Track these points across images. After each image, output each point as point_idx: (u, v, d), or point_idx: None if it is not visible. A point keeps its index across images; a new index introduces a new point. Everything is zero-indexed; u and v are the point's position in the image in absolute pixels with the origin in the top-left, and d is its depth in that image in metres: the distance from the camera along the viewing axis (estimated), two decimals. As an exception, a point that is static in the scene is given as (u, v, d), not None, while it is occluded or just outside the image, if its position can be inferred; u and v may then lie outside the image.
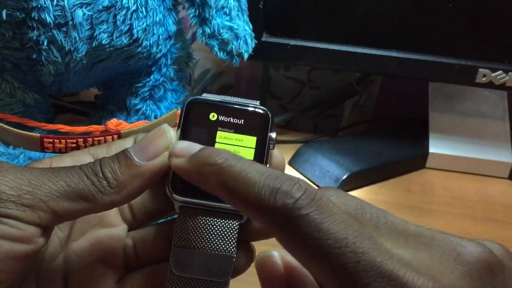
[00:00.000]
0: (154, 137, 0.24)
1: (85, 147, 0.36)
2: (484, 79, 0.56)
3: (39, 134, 0.41)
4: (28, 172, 0.22)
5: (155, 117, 0.50)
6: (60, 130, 0.45)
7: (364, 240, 0.18)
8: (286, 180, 0.19)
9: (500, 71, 0.55)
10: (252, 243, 0.26)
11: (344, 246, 0.18)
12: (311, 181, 0.58)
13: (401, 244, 0.20)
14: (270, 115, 0.25)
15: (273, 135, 0.25)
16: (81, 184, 0.22)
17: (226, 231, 0.24)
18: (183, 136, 0.24)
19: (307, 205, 0.19)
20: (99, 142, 0.40)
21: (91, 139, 0.40)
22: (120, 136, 0.42)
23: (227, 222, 0.24)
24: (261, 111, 0.25)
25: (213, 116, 0.25)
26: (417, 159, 0.62)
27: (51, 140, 0.40)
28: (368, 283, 0.18)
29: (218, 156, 0.20)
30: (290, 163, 0.61)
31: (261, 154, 0.24)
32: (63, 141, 0.40)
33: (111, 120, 0.44)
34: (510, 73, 0.55)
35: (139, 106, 0.50)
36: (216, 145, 0.25)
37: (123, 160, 0.23)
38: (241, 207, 0.20)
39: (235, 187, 0.20)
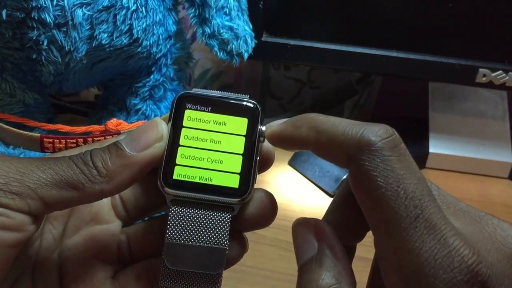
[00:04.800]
0: (146, 129, 0.24)
1: (85, 147, 0.35)
2: (484, 79, 0.56)
3: (39, 134, 0.41)
4: (16, 161, 0.22)
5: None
6: (60, 130, 0.45)
7: (428, 201, 0.19)
8: (375, 124, 0.21)
9: (500, 71, 0.55)
10: (245, 233, 0.26)
11: (410, 199, 0.19)
12: (311, 181, 0.58)
13: (451, 215, 0.21)
14: (259, 108, 0.25)
15: (263, 128, 0.25)
16: (70, 172, 0.22)
17: (218, 224, 0.24)
18: (174, 129, 0.24)
19: (391, 148, 0.20)
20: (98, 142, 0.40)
21: (91, 139, 0.40)
22: (120, 135, 0.42)
23: (219, 215, 0.24)
24: (250, 104, 0.25)
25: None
26: (417, 159, 0.61)
27: (51, 140, 0.41)
28: (417, 240, 0.18)
29: (311, 114, 0.23)
30: (290, 163, 0.61)
31: (252, 147, 0.25)
32: (63, 141, 0.40)
33: (111, 120, 0.44)
34: (510, 73, 0.55)
35: (139, 106, 0.50)
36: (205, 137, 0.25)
37: (114, 151, 0.23)
38: (327, 146, 0.22)
39: (324, 128, 0.22)
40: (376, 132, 0.20)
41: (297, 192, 0.57)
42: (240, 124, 0.25)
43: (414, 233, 0.18)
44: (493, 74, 0.55)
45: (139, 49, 0.45)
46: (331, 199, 0.51)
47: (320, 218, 0.25)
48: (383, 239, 0.19)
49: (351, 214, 0.24)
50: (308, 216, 0.24)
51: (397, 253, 0.19)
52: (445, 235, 0.18)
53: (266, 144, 0.25)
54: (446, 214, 0.20)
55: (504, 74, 0.55)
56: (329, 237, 0.23)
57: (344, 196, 0.25)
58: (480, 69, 0.55)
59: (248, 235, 0.26)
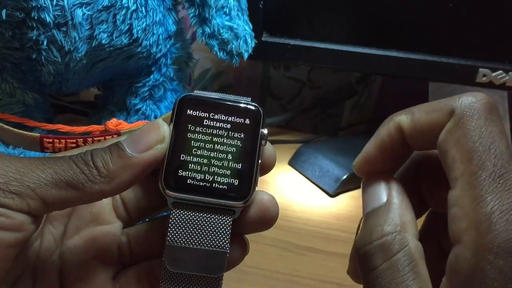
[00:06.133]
0: (148, 131, 0.24)
1: (85, 147, 0.35)
2: (484, 79, 0.56)
3: (39, 134, 0.41)
4: (15, 160, 0.22)
5: (155, 117, 0.50)
6: (60, 130, 0.45)
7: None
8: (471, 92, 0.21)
9: (500, 71, 0.55)
10: (246, 236, 0.26)
11: (499, 158, 0.20)
12: (311, 181, 0.58)
13: None
14: (261, 111, 0.25)
15: (265, 131, 0.25)
16: (69, 172, 0.22)
17: (220, 227, 0.24)
18: (176, 131, 0.24)
19: (490, 110, 0.21)
20: (99, 142, 0.40)
21: (91, 139, 0.40)
22: (119, 136, 0.42)
23: (220, 218, 0.24)
24: (252, 107, 0.25)
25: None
26: (417, 159, 0.62)
27: (50, 140, 0.40)
28: (497, 194, 0.19)
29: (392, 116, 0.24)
30: (290, 163, 0.61)
31: (253, 150, 0.24)
32: (62, 141, 0.40)
33: (111, 120, 0.44)
34: (510, 73, 0.55)
35: (139, 106, 0.50)
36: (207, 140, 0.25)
37: (115, 151, 0.23)
38: (428, 114, 0.22)
39: (416, 112, 0.23)
40: (476, 95, 0.21)
41: (297, 192, 0.57)
42: (242, 126, 0.25)
43: (496, 188, 0.19)
44: (493, 74, 0.55)
45: (139, 49, 0.45)
46: (331, 199, 0.51)
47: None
48: (463, 189, 0.20)
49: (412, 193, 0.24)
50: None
51: (475, 201, 0.19)
52: None
53: (268, 147, 0.25)
54: None
55: (504, 74, 0.55)
56: (399, 191, 0.23)
57: (407, 176, 0.25)
58: (480, 69, 0.55)
59: (248, 235, 0.26)
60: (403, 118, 0.23)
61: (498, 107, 0.21)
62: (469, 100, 0.21)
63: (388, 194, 0.23)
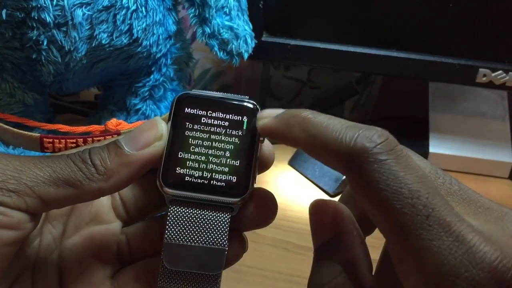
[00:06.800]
0: (145, 128, 0.24)
1: (85, 147, 0.35)
2: (484, 79, 0.56)
3: (39, 134, 0.41)
4: (13, 159, 0.22)
5: (155, 117, 0.50)
6: (60, 130, 0.45)
7: (436, 198, 0.18)
8: (368, 128, 0.20)
9: (500, 71, 0.55)
10: (245, 234, 0.26)
11: (416, 198, 0.18)
12: (311, 181, 0.58)
13: (472, 212, 0.20)
14: (259, 109, 0.25)
15: None
16: (67, 170, 0.22)
17: (218, 224, 0.24)
18: (174, 129, 0.25)
19: (387, 152, 0.19)
20: (98, 142, 0.40)
21: (91, 139, 0.40)
22: (119, 136, 0.42)
23: (219, 215, 0.24)
24: (250, 105, 0.25)
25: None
26: (417, 159, 0.62)
27: (50, 140, 0.40)
28: (433, 239, 0.18)
29: (304, 111, 0.22)
30: (290, 163, 0.61)
31: (251, 147, 0.25)
32: (62, 141, 0.40)
33: (111, 120, 0.44)
34: (510, 73, 0.55)
35: (139, 106, 0.50)
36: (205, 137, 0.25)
37: (113, 149, 0.23)
38: (320, 151, 0.21)
39: (316, 132, 0.21)
40: (370, 138, 0.19)
41: (297, 192, 0.57)
42: (239, 124, 0.25)
43: (429, 231, 0.18)
44: (493, 74, 0.55)
45: (139, 49, 0.45)
46: (331, 199, 0.51)
47: None
48: (397, 242, 0.19)
49: (359, 211, 0.24)
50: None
51: (414, 253, 0.18)
52: (462, 231, 0.18)
53: (266, 145, 0.25)
54: (465, 212, 0.20)
55: (504, 74, 0.55)
56: (347, 220, 0.22)
57: (350, 196, 0.25)
58: (480, 69, 0.55)
59: (248, 235, 0.26)
60: (302, 138, 0.21)
61: (394, 140, 0.20)
62: (361, 148, 0.19)
63: (336, 226, 0.22)
